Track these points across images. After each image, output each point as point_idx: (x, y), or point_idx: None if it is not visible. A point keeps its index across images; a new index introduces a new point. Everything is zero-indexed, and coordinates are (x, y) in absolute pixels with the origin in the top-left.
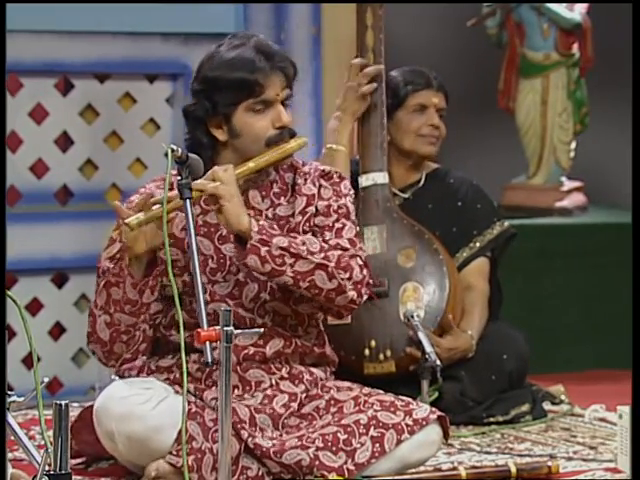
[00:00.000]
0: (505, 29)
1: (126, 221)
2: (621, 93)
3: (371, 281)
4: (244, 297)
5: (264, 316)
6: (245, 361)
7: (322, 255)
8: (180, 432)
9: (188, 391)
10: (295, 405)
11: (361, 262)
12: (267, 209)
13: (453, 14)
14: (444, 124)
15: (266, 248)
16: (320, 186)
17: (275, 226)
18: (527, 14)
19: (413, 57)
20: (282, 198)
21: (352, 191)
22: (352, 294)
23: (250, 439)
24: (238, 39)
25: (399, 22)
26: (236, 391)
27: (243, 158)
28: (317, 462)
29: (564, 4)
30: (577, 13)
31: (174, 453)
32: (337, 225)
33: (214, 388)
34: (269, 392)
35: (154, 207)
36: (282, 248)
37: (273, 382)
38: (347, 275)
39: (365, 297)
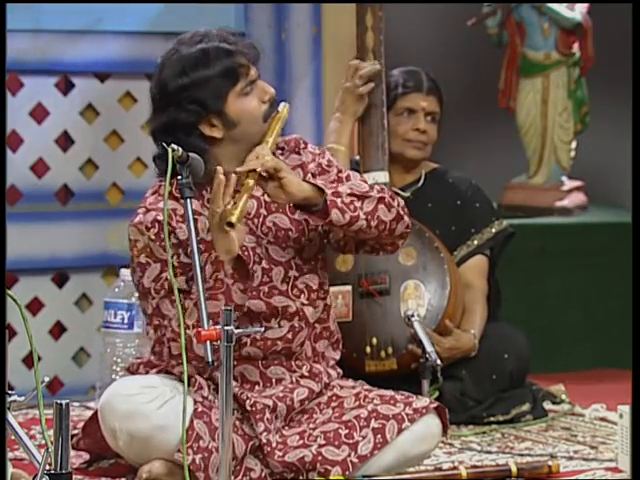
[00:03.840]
0: (505, 29)
1: (229, 221)
2: (621, 93)
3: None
4: (275, 281)
5: (299, 296)
6: (271, 355)
7: (375, 189)
8: (186, 430)
9: (206, 379)
10: (307, 402)
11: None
12: (262, 194)
13: (453, 14)
14: (437, 127)
15: (339, 199)
16: (300, 154)
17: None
18: (527, 14)
19: (413, 57)
20: None
21: (324, 148)
22: (406, 219)
23: (265, 434)
24: (192, 38)
25: (399, 22)
26: (257, 387)
27: (244, 146)
28: (320, 457)
29: (564, 4)
30: (577, 12)
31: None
32: (342, 175)
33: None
34: (290, 386)
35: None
36: (349, 194)
37: (294, 380)
38: (396, 202)
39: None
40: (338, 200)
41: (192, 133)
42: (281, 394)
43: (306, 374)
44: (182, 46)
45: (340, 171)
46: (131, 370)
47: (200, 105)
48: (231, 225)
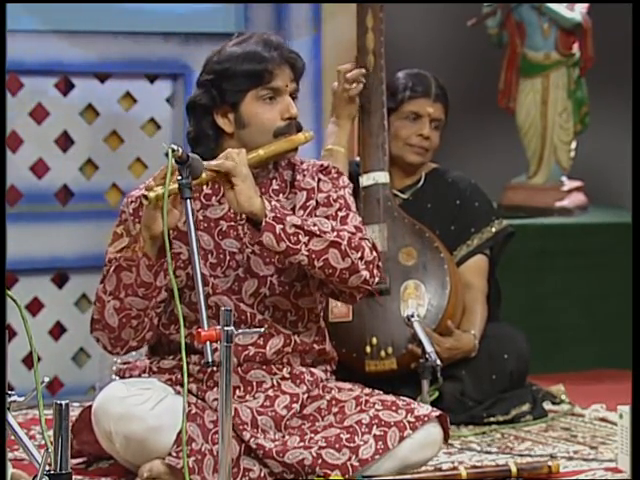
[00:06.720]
0: (505, 29)
1: (144, 194)
2: (621, 93)
3: (380, 264)
4: (244, 292)
5: (264, 312)
6: (246, 362)
7: (335, 234)
8: (179, 433)
9: (190, 392)
10: (297, 406)
11: (370, 244)
12: None
13: (453, 14)
14: (440, 135)
15: (280, 226)
16: (319, 180)
17: (286, 207)
18: (527, 14)
19: (413, 58)
20: (281, 195)
21: (350, 185)
22: (365, 274)
23: (252, 440)
24: (246, 35)
25: (399, 22)
26: (237, 392)
27: (249, 150)
28: (320, 460)
29: (564, 4)
30: (577, 13)
31: (174, 455)
32: (340, 214)
33: (216, 389)
34: (270, 393)
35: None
36: (296, 226)
37: (274, 383)
38: (359, 255)
39: (377, 278)
40: (278, 226)
41: (206, 117)
42: (261, 409)
43: (287, 376)
44: (233, 40)
45: (340, 209)
46: (119, 375)
47: (219, 92)
48: (145, 198)
